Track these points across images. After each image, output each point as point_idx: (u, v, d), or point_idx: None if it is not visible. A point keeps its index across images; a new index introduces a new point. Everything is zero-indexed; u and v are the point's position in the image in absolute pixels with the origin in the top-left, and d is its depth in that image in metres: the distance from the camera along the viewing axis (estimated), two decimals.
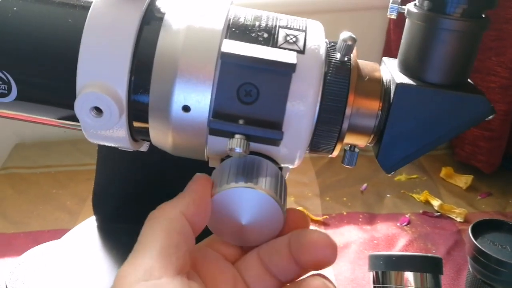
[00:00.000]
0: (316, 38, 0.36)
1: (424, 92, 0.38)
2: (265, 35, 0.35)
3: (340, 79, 0.36)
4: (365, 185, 0.92)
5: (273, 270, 0.35)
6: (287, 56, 0.33)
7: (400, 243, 0.78)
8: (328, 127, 0.37)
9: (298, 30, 0.36)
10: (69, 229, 0.66)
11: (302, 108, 0.35)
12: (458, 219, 0.83)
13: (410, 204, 0.88)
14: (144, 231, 0.33)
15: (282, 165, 0.39)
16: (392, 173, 0.41)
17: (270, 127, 0.35)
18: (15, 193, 0.90)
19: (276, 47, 0.35)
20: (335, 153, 0.40)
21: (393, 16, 0.41)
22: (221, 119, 0.34)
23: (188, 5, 0.36)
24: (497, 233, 0.60)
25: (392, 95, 0.38)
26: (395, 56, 0.43)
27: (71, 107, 0.35)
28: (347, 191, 0.92)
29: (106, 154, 0.60)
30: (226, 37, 0.35)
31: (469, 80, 0.40)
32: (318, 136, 0.38)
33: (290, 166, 0.40)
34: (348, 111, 0.37)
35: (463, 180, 0.92)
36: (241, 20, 0.36)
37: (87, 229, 0.65)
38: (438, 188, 0.92)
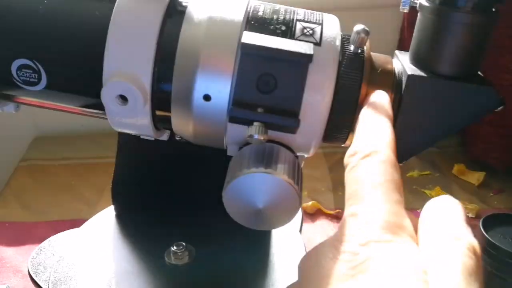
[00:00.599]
0: (332, 31, 0.38)
1: (434, 83, 0.39)
2: (283, 28, 0.37)
3: (353, 70, 0.38)
4: None
5: None
6: (304, 47, 0.35)
7: None
8: (341, 117, 0.38)
9: (315, 23, 0.38)
10: (87, 219, 0.67)
11: (318, 97, 0.36)
12: (470, 215, 0.83)
13: (422, 200, 0.88)
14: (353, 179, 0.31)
15: (298, 154, 0.40)
16: (403, 163, 0.42)
17: (288, 116, 0.36)
18: (35, 183, 0.92)
19: (294, 39, 0.36)
20: (348, 142, 0.41)
21: (406, 10, 0.42)
22: (241, 107, 0.36)
23: None
24: (508, 227, 0.61)
25: (403, 87, 0.39)
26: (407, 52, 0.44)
27: (97, 95, 0.36)
28: None
29: (126, 144, 0.62)
30: (245, 29, 0.36)
31: (479, 73, 0.41)
32: (332, 126, 0.39)
33: (306, 155, 0.41)
34: (361, 101, 0.38)
35: (475, 177, 0.93)
36: (260, 13, 0.37)
37: (106, 218, 0.66)
38: (450, 185, 0.92)
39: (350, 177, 0.31)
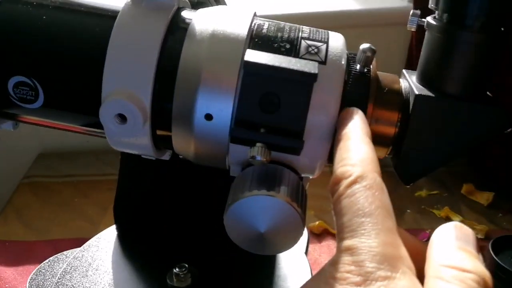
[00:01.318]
0: (338, 49, 0.37)
1: (442, 103, 0.38)
2: (288, 46, 0.36)
3: (359, 89, 0.37)
4: None
5: None
6: (309, 66, 0.34)
7: None
8: None
9: (320, 41, 0.37)
10: (90, 237, 0.66)
11: (323, 118, 0.35)
12: (479, 236, 0.82)
13: (430, 220, 0.88)
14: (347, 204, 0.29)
15: (303, 175, 0.39)
16: (411, 184, 0.41)
17: (291, 136, 0.35)
18: (37, 201, 0.91)
19: (298, 57, 0.35)
20: None
21: (413, 29, 0.42)
22: (243, 127, 0.35)
23: (212, 16, 0.37)
24: None
25: (411, 107, 0.38)
26: (415, 71, 0.43)
27: (96, 114, 0.35)
28: None
29: (129, 163, 0.61)
30: (249, 47, 0.35)
31: (488, 93, 0.40)
32: None
33: (311, 176, 0.40)
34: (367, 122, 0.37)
35: (484, 197, 0.91)
36: (264, 31, 0.36)
37: (108, 237, 0.65)
38: (459, 205, 0.91)
39: (338, 208, 0.29)
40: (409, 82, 0.41)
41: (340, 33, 0.40)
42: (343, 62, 0.36)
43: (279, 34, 0.36)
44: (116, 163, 0.61)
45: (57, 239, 0.82)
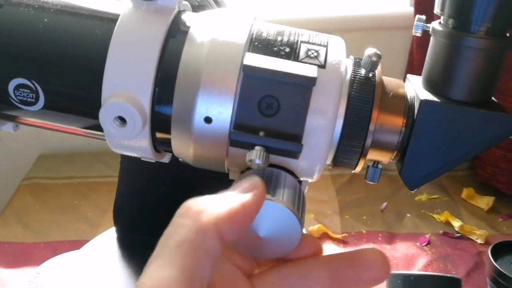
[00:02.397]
0: (337, 53, 0.37)
1: (448, 109, 0.38)
2: (287, 50, 0.36)
3: (364, 94, 0.37)
4: (385, 204, 0.92)
5: None
6: (308, 70, 0.34)
7: (420, 263, 0.78)
8: (351, 142, 0.37)
9: (320, 45, 0.37)
10: (89, 240, 0.66)
11: (322, 121, 0.35)
12: (479, 241, 0.82)
13: (430, 224, 0.88)
14: (168, 235, 0.29)
15: (302, 179, 0.39)
16: (415, 190, 0.41)
17: (290, 140, 0.35)
18: (37, 203, 0.91)
19: (298, 61, 0.35)
20: (358, 168, 0.40)
21: (418, 34, 0.42)
22: (242, 130, 0.35)
23: (213, 20, 0.37)
24: None
25: (416, 112, 0.38)
26: (418, 75, 0.43)
27: (96, 116, 0.35)
28: (367, 210, 0.91)
29: (128, 166, 0.61)
30: (248, 51, 0.35)
31: (493, 98, 0.40)
32: (342, 151, 0.38)
33: (310, 180, 0.40)
34: (371, 126, 0.37)
35: (484, 202, 0.91)
36: (264, 34, 0.36)
37: (107, 240, 0.65)
38: (459, 209, 0.91)
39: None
40: (414, 87, 0.41)
41: (342, 37, 0.40)
42: (342, 66, 0.36)
43: (279, 38, 0.36)
44: (117, 165, 0.61)
45: (57, 241, 0.82)
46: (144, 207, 0.62)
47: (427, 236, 0.84)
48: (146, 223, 0.60)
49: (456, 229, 0.85)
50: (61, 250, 0.78)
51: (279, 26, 0.38)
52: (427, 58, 0.41)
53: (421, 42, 0.96)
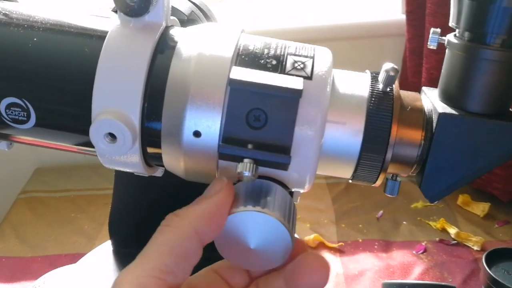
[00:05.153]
0: (324, 64, 0.37)
1: (466, 121, 0.39)
2: (274, 62, 0.36)
3: (383, 109, 0.37)
4: (381, 212, 0.92)
5: None
6: (294, 82, 0.34)
7: (416, 271, 0.78)
8: (372, 157, 0.38)
9: (306, 57, 0.37)
10: (86, 253, 0.66)
11: (310, 132, 0.35)
12: (475, 248, 0.82)
13: (426, 231, 0.88)
14: (152, 238, 0.32)
15: (293, 189, 0.39)
16: (436, 202, 0.41)
17: (279, 152, 0.35)
18: (34, 217, 0.91)
19: (284, 73, 0.36)
20: (378, 182, 0.40)
21: (433, 47, 0.42)
22: (231, 144, 0.35)
23: (200, 34, 0.37)
24: None
25: (434, 125, 0.39)
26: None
27: (87, 133, 0.36)
28: (363, 218, 0.91)
29: (123, 180, 0.61)
30: (235, 64, 0.36)
31: (511, 109, 0.41)
32: (362, 166, 0.38)
33: (301, 190, 0.40)
34: (391, 141, 0.37)
35: (480, 208, 0.92)
36: (251, 47, 0.37)
37: (103, 253, 0.66)
38: (455, 216, 0.91)
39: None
40: (431, 100, 0.41)
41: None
42: (329, 77, 0.37)
43: (266, 51, 0.37)
44: (113, 177, 0.61)
45: (54, 255, 0.82)
46: (138, 220, 0.62)
47: (423, 243, 0.84)
48: (141, 236, 0.60)
49: (452, 236, 0.85)
50: (58, 263, 0.78)
51: (266, 38, 0.39)
52: (443, 70, 0.42)
53: (414, 50, 0.97)
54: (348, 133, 0.37)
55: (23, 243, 0.84)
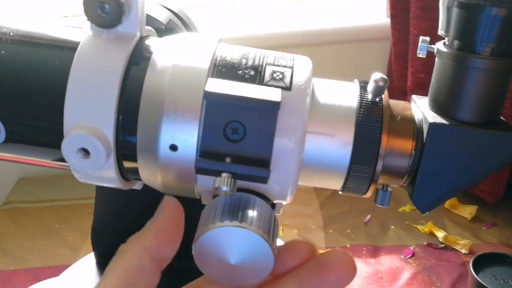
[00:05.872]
0: (303, 74, 0.36)
1: (457, 131, 0.38)
2: (252, 73, 0.35)
3: (372, 120, 0.36)
4: (369, 216, 0.92)
5: None
6: (272, 94, 0.33)
7: (404, 276, 0.77)
8: (361, 168, 0.37)
9: (285, 66, 0.36)
10: (70, 264, 0.65)
11: (290, 144, 0.35)
12: (463, 251, 0.82)
13: (414, 235, 0.87)
14: (109, 265, 0.33)
15: (275, 201, 0.38)
16: (427, 213, 0.40)
17: (258, 165, 0.34)
18: (16, 228, 0.90)
19: (263, 84, 0.35)
20: (369, 194, 0.40)
21: (422, 55, 0.41)
22: (208, 157, 0.34)
23: (176, 44, 0.36)
24: (499, 267, 0.59)
25: (425, 135, 0.38)
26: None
27: (60, 148, 0.34)
28: (351, 223, 0.91)
29: (104, 190, 0.60)
30: (212, 76, 0.35)
31: (501, 118, 0.40)
32: (352, 178, 0.37)
33: (283, 202, 0.39)
34: (381, 152, 0.37)
35: (467, 211, 0.91)
36: (228, 58, 0.36)
37: (86, 265, 0.64)
38: (443, 219, 0.91)
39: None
40: (421, 109, 0.40)
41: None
42: (308, 87, 0.36)
43: (244, 61, 0.36)
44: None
45: (37, 267, 0.81)
46: (121, 231, 0.60)
47: (411, 248, 0.84)
48: None
49: (440, 239, 0.85)
50: (41, 276, 0.76)
51: (245, 48, 0.38)
52: (432, 79, 0.41)
53: (399, 53, 0.96)
54: (337, 145, 0.37)
55: (5, 256, 0.83)
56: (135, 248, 0.34)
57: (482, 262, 0.59)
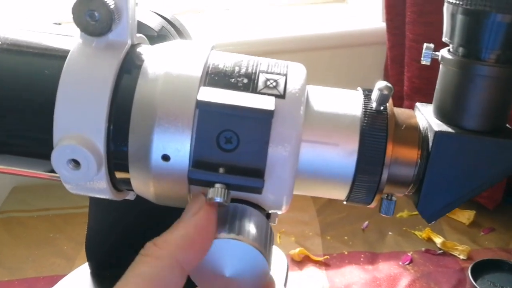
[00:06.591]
0: (297, 81, 0.35)
1: (463, 139, 0.38)
2: (245, 81, 0.34)
3: (377, 129, 0.36)
4: (366, 222, 0.91)
5: None
6: (265, 103, 0.33)
7: (403, 283, 0.76)
8: (367, 178, 0.36)
9: (279, 74, 0.35)
10: (65, 274, 0.64)
11: (284, 153, 0.34)
12: (461, 257, 0.81)
13: (412, 241, 0.87)
14: (130, 269, 0.31)
15: (270, 211, 0.38)
16: (433, 222, 0.40)
17: (252, 175, 0.34)
18: (10, 238, 0.89)
19: (256, 92, 0.34)
20: (374, 204, 0.39)
21: (425, 62, 0.41)
22: (201, 168, 0.33)
23: (168, 52, 0.36)
24: (498, 273, 0.58)
25: (430, 143, 0.38)
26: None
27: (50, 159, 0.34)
28: (348, 229, 0.90)
29: (98, 200, 0.59)
30: (205, 84, 0.34)
31: (507, 125, 0.40)
32: (357, 188, 0.37)
33: (279, 212, 0.38)
34: (387, 160, 0.36)
35: (465, 216, 0.91)
36: (221, 66, 0.35)
37: (80, 276, 0.64)
38: (441, 224, 0.90)
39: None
40: (425, 117, 0.40)
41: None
42: (303, 95, 0.35)
43: (237, 69, 0.35)
44: None
45: (32, 278, 0.80)
46: (115, 241, 0.60)
47: (409, 254, 0.83)
48: (118, 257, 0.59)
49: (438, 245, 0.84)
50: (36, 286, 0.76)
51: (238, 55, 0.37)
52: (437, 86, 0.40)
53: (395, 58, 0.96)
54: (341, 155, 0.36)
55: (0, 267, 0.82)
56: (164, 256, 0.31)
57: (481, 268, 0.58)
